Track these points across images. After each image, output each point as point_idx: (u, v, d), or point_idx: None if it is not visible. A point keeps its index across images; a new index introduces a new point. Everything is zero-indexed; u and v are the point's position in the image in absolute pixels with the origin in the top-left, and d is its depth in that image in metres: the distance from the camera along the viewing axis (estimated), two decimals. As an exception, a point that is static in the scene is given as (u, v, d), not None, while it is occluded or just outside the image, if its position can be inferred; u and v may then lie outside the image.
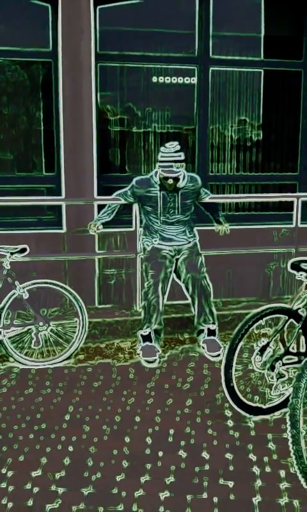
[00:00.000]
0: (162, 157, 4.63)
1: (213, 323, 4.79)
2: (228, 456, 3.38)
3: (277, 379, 3.74)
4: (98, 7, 5.83)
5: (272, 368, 3.73)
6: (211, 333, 4.78)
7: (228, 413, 3.84)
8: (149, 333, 4.70)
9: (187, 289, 4.78)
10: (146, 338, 4.71)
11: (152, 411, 3.88)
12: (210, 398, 4.05)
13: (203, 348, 4.77)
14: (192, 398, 4.05)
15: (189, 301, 4.81)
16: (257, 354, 3.75)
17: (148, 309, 4.69)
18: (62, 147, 5.81)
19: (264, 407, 3.79)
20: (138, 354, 4.69)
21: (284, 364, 3.74)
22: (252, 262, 5.94)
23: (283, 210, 6.29)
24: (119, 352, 4.80)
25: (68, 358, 4.60)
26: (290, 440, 2.96)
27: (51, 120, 5.99)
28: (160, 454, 3.39)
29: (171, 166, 4.58)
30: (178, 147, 4.66)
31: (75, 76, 5.74)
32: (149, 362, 4.59)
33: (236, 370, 3.71)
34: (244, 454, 3.40)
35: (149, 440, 3.53)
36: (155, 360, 4.60)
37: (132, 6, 6.01)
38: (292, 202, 5.92)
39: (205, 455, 3.38)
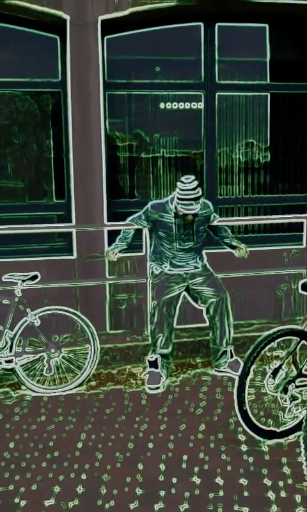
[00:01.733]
0: (181, 194, 4.52)
1: (230, 344, 4.82)
2: (243, 481, 3.34)
3: (291, 401, 3.72)
4: (106, 37, 5.96)
5: (285, 391, 3.71)
6: (232, 354, 4.81)
7: (242, 437, 3.81)
8: (156, 359, 4.69)
9: (209, 311, 4.78)
10: (152, 364, 4.70)
11: (165, 437, 3.86)
12: (223, 422, 4.02)
13: (227, 371, 4.77)
14: (205, 423, 4.02)
15: (208, 323, 4.81)
16: (270, 376, 3.73)
17: (153, 333, 4.69)
18: (72, 174, 5.89)
19: (278, 430, 3.76)
20: (141, 380, 4.68)
21: (297, 386, 3.72)
22: (263, 283, 5.93)
23: (293, 231, 6.30)
24: (131, 378, 4.79)
25: (80, 384, 4.59)
26: (305, 464, 2.93)
27: (61, 148, 6.10)
28: (174, 480, 3.36)
29: (191, 204, 4.52)
30: (196, 183, 4.54)
31: (84, 105, 5.85)
32: (151, 389, 4.56)
33: (249, 394, 3.69)
34: (258, 479, 3.36)
35: (162, 467, 3.50)
36: (158, 387, 4.57)
37: (139, 35, 6.13)
38: (301, 223, 5.96)
39: (219, 481, 3.35)
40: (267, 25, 6.37)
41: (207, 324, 4.85)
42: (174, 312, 4.73)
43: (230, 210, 6.42)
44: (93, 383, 4.70)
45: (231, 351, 4.82)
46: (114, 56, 6.07)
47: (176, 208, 4.63)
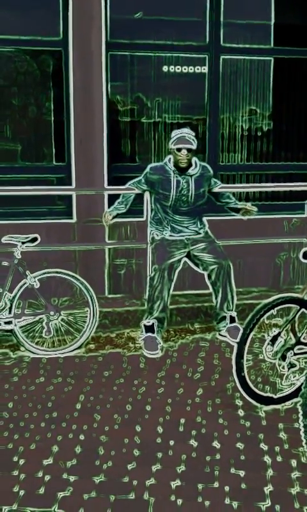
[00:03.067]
0: (173, 135, 4.69)
1: (233, 310, 4.80)
2: (239, 445, 3.37)
3: (289, 368, 3.73)
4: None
5: (284, 358, 3.72)
6: (232, 320, 4.80)
7: (239, 402, 3.83)
8: (153, 324, 4.68)
9: (211, 277, 4.75)
10: (149, 328, 4.69)
11: (163, 400, 3.87)
12: (220, 387, 4.03)
13: (225, 336, 4.79)
14: (203, 387, 4.04)
15: (211, 288, 4.79)
16: (268, 344, 3.73)
17: (152, 297, 4.66)
18: (73, 137, 5.78)
19: (275, 397, 3.77)
20: (140, 344, 4.68)
21: (295, 354, 3.73)
22: (263, 252, 5.89)
23: (294, 200, 6.24)
24: (130, 342, 4.79)
25: (79, 347, 4.59)
26: (302, 430, 2.94)
27: (61, 110, 5.96)
28: (171, 443, 3.38)
29: (184, 136, 4.60)
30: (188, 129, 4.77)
31: (86, 65, 5.70)
32: (151, 355, 4.57)
33: (247, 360, 3.69)
34: (255, 444, 3.38)
35: (160, 429, 3.52)
36: (157, 353, 4.58)
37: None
38: (303, 192, 5.90)
39: (216, 444, 3.37)
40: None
41: (206, 290, 4.84)
42: (174, 277, 4.70)
43: (232, 177, 6.33)
44: (92, 346, 4.70)
45: (231, 316, 4.81)
46: (117, 15, 5.89)
47: (173, 161, 4.57)
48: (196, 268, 4.82)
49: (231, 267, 4.74)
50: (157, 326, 4.68)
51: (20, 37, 5.75)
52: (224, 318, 4.83)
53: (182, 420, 3.62)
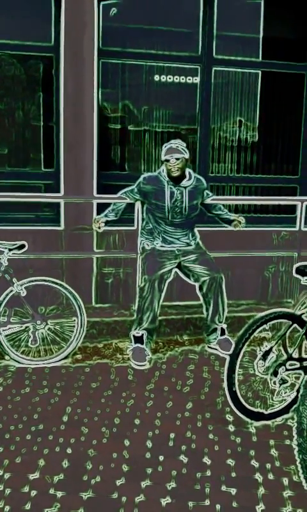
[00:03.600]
0: (163, 147, 4.68)
1: (223, 322, 4.77)
2: (230, 461, 3.30)
3: (280, 384, 3.68)
4: (102, 2, 5.73)
5: (275, 373, 3.66)
6: (223, 332, 4.76)
7: (229, 417, 3.76)
8: (142, 335, 4.61)
9: (202, 288, 4.71)
10: (138, 339, 4.62)
11: (152, 414, 3.79)
12: (210, 402, 3.97)
13: (215, 348, 4.75)
14: (193, 401, 3.97)
15: (202, 300, 4.75)
16: (260, 358, 3.68)
17: (142, 307, 4.60)
18: (62, 143, 5.71)
19: (266, 412, 3.72)
20: (128, 354, 4.60)
21: (287, 370, 3.68)
22: (252, 264, 5.87)
23: (283, 213, 6.25)
24: (118, 353, 4.71)
25: (66, 357, 4.50)
26: (296, 449, 2.88)
27: (51, 116, 5.89)
28: (161, 458, 3.30)
29: (172, 147, 4.59)
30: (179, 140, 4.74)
31: (77, 71, 5.64)
32: (138, 366, 4.50)
33: (238, 375, 3.63)
34: (246, 460, 3.32)
35: (149, 444, 3.44)
36: (145, 365, 4.51)
37: (136, 3, 5.92)
38: (292, 205, 5.90)
39: (207, 460, 3.30)
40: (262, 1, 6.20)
41: (196, 301, 4.79)
42: (164, 287, 4.64)
43: (221, 188, 6.30)
44: (79, 356, 4.61)
45: (222, 328, 4.77)
46: (110, 22, 5.85)
47: (167, 171, 4.55)
48: (186, 279, 4.77)
49: (223, 279, 4.69)
50: (146, 337, 4.61)
51: (10, 41, 5.68)
52: (214, 330, 4.78)
53: (172, 435, 3.54)
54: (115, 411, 3.80)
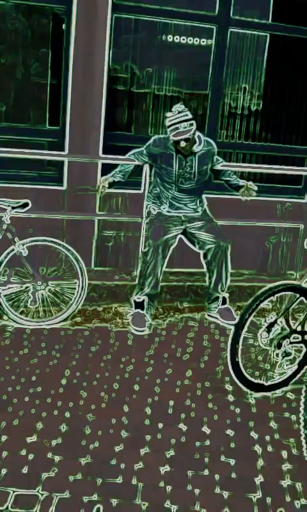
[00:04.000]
0: (168, 122, 4.37)
1: (225, 291, 4.66)
2: (229, 432, 3.24)
3: (283, 357, 3.60)
4: None
5: (279, 346, 3.58)
6: (224, 301, 4.66)
7: (229, 387, 3.69)
8: (143, 300, 4.51)
9: (207, 256, 4.57)
10: (139, 305, 4.52)
11: (151, 380, 3.72)
12: (210, 371, 3.89)
13: (216, 317, 4.65)
14: (192, 369, 3.89)
15: (205, 268, 4.62)
16: (264, 330, 3.59)
17: (145, 272, 4.48)
18: (69, 101, 5.47)
19: (266, 384, 3.65)
20: (128, 319, 4.50)
21: (291, 343, 3.59)
22: (254, 234, 5.72)
23: (289, 183, 6.09)
24: (117, 317, 4.60)
25: (65, 319, 4.39)
26: (302, 424, 2.82)
27: (59, 72, 5.64)
28: (160, 425, 3.24)
29: (178, 128, 4.31)
30: (181, 107, 4.40)
31: (89, 26, 5.37)
32: (137, 331, 4.41)
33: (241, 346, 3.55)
34: (245, 432, 3.26)
35: (148, 411, 3.37)
36: (144, 330, 4.42)
37: None
38: (299, 176, 5.73)
39: (206, 430, 3.24)
40: None
41: (197, 269, 4.68)
42: (168, 253, 4.51)
43: (228, 154, 6.11)
44: (78, 319, 4.50)
45: (224, 297, 4.66)
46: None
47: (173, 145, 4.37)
48: (191, 246, 4.64)
49: (229, 247, 4.56)
50: (147, 302, 4.51)
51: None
52: (216, 299, 4.68)
53: (171, 403, 3.47)
54: (114, 376, 3.72)
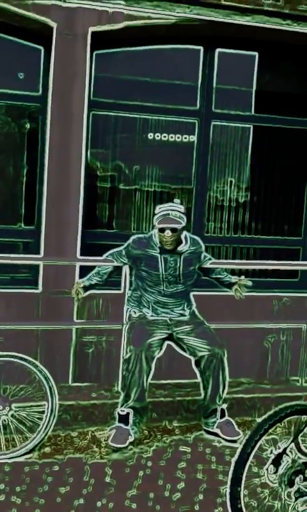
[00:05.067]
0: (157, 210, 3.86)
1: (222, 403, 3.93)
2: None
3: (297, 498, 2.76)
4: (95, 52, 5.14)
5: (291, 483, 2.75)
6: (223, 413, 3.90)
7: (232, 539, 2.82)
8: (128, 413, 3.74)
9: (199, 364, 3.86)
10: (122, 418, 3.76)
11: (133, 535, 2.85)
12: (206, 516, 3.02)
13: (216, 433, 3.88)
14: (184, 515, 3.02)
15: (199, 377, 3.90)
16: (271, 463, 2.78)
17: (128, 382, 3.74)
18: (45, 199, 4.99)
19: (277, 533, 2.79)
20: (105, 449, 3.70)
21: (305, 479, 2.77)
22: (250, 334, 5.00)
23: (284, 276, 5.48)
24: (94, 445, 3.71)
25: (31, 450, 3.54)
26: None
27: (35, 170, 5.20)
28: None
29: (168, 214, 3.77)
30: (178, 201, 3.95)
31: (65, 124, 5.00)
32: (115, 448, 3.63)
33: (245, 487, 2.72)
34: None
35: None
36: (123, 447, 3.64)
37: (131, 54, 5.34)
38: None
39: None
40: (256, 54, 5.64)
41: (192, 379, 3.94)
42: (153, 360, 3.78)
43: (217, 249, 5.54)
44: (47, 449, 3.61)
45: (222, 409, 3.90)
46: (103, 73, 5.25)
47: (160, 241, 3.79)
48: (183, 353, 3.93)
49: (225, 353, 3.84)
50: (134, 417, 3.75)
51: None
52: (213, 412, 3.91)
53: None
54: (87, 532, 2.85)
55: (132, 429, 3.76)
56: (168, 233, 3.76)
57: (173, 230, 3.76)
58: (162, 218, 3.78)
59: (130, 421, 3.75)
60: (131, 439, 3.71)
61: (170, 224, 3.75)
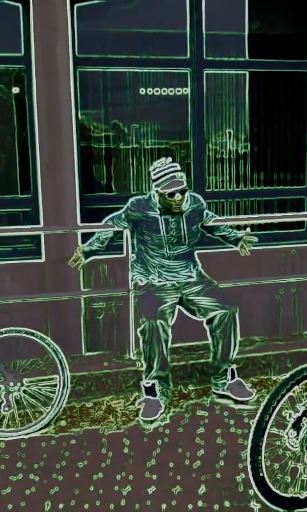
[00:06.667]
0: (156, 173, 3.57)
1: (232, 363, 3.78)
2: None
3: (319, 460, 2.63)
4: (76, 5, 4.74)
5: (312, 446, 2.61)
6: (234, 374, 3.76)
7: (255, 505, 2.71)
8: (153, 384, 3.61)
9: (211, 323, 3.70)
10: (149, 390, 3.63)
11: (155, 505, 2.73)
12: (228, 482, 2.90)
13: (227, 394, 3.75)
14: (206, 482, 2.90)
15: (209, 336, 3.74)
16: (291, 427, 2.62)
17: (147, 353, 3.59)
18: (39, 165, 4.72)
19: (302, 497, 2.66)
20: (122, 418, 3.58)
21: (328, 441, 2.62)
22: (259, 289, 4.80)
23: (290, 227, 5.23)
24: (110, 415, 3.60)
25: (46, 425, 3.43)
26: None
27: (25, 136, 4.90)
28: None
29: (174, 177, 3.50)
30: (170, 159, 3.62)
31: (52, 83, 4.65)
32: (146, 422, 3.49)
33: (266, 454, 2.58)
34: None
35: None
36: (155, 420, 3.51)
37: (113, 4, 4.93)
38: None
39: None
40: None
41: (204, 340, 3.77)
42: (169, 326, 3.61)
43: (220, 204, 5.27)
44: (63, 423, 3.50)
45: (232, 370, 3.76)
46: (86, 27, 4.86)
47: (159, 201, 3.54)
48: (191, 316, 3.75)
49: (237, 310, 3.67)
50: (159, 385, 3.62)
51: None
52: (224, 372, 3.76)
53: (183, 541, 2.50)
54: (107, 503, 2.74)
55: (161, 398, 3.64)
56: (178, 196, 3.52)
57: (182, 191, 3.52)
58: (168, 182, 3.52)
59: (157, 391, 3.63)
60: (161, 410, 3.58)
61: (179, 186, 3.51)
